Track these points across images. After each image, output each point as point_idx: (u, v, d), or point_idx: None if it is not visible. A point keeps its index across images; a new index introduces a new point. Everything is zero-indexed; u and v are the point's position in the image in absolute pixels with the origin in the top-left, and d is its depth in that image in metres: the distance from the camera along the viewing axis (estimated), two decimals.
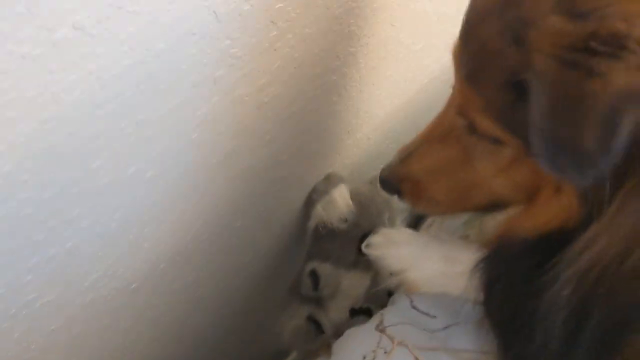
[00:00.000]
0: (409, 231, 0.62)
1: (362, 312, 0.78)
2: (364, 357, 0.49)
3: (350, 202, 0.78)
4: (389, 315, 0.54)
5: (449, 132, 0.48)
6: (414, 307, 0.53)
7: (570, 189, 0.36)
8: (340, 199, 0.78)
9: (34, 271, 0.44)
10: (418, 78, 0.78)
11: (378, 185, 0.56)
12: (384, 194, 0.76)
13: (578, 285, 0.36)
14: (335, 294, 0.79)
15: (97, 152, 0.42)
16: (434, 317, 0.51)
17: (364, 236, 0.78)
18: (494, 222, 0.52)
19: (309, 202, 0.79)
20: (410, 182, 0.52)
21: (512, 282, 0.41)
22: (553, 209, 0.38)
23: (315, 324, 0.77)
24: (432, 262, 0.56)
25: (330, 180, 0.79)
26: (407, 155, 0.52)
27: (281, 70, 0.53)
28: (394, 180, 0.54)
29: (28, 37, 0.31)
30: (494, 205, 0.49)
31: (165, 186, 0.51)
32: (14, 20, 0.30)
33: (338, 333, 0.75)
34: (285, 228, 0.78)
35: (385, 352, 0.48)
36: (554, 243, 0.37)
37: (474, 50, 0.41)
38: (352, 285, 0.80)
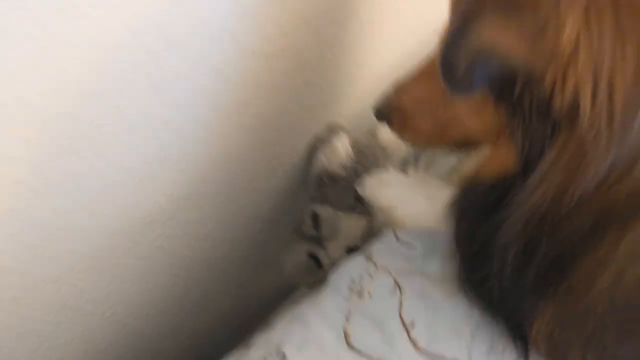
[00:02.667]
0: (398, 174, 0.69)
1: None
2: (353, 280, 0.56)
3: (350, 150, 0.84)
4: (376, 246, 0.61)
5: (432, 72, 0.53)
6: (398, 239, 0.60)
7: (510, 143, 0.42)
8: (341, 147, 0.84)
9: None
10: (418, 31, 0.82)
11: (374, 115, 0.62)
12: (381, 141, 0.83)
13: (526, 222, 0.42)
14: (334, 234, 0.86)
15: (123, 93, 0.48)
16: (415, 247, 0.58)
17: None
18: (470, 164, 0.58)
19: (312, 149, 0.85)
20: (399, 112, 0.59)
21: (474, 218, 0.48)
22: (502, 158, 0.44)
23: (314, 260, 0.84)
24: (417, 201, 0.63)
25: (331, 129, 0.85)
26: (400, 87, 0.59)
27: (288, 23, 0.58)
28: (386, 109, 0.60)
29: None
30: (467, 142, 0.55)
31: (182, 131, 0.57)
32: None
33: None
34: (289, 172, 0.84)
35: (370, 276, 0.55)
36: (507, 186, 0.44)
37: None
38: (350, 227, 0.86)
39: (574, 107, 0.37)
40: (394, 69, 0.86)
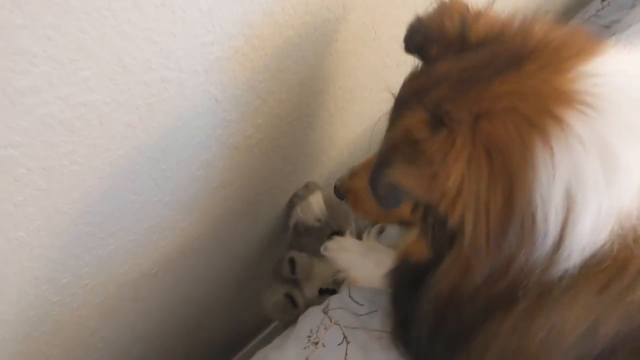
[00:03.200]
0: (355, 240, 0.83)
1: (328, 292, 0.99)
2: (311, 330, 0.71)
3: (324, 206, 0.99)
4: (333, 301, 0.76)
5: None
6: (350, 297, 0.74)
7: (423, 238, 0.56)
8: (316, 203, 0.98)
9: (89, 264, 0.66)
10: (377, 114, 0.96)
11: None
12: None
13: (435, 303, 0.55)
14: (308, 277, 1.01)
15: (134, 187, 0.63)
16: (362, 305, 0.72)
17: (333, 233, 1.00)
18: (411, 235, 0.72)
19: (290, 205, 0.99)
20: (352, 193, 0.73)
21: (403, 290, 0.62)
22: (422, 246, 0.57)
23: (291, 300, 0.99)
24: (367, 265, 0.77)
25: (308, 188, 1.00)
26: (353, 174, 0.73)
27: (264, 123, 0.73)
28: (342, 189, 0.75)
29: None
30: (405, 223, 0.69)
31: (180, 203, 0.72)
32: None
33: (309, 306, 0.97)
34: (270, 225, 0.99)
35: (325, 328, 0.69)
36: (424, 270, 0.57)
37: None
38: (322, 271, 1.00)
39: (462, 228, 0.51)
40: (359, 138, 1.01)
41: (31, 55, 0.42)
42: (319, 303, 0.93)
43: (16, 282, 0.60)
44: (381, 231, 0.86)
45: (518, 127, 0.46)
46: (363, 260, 0.78)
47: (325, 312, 0.73)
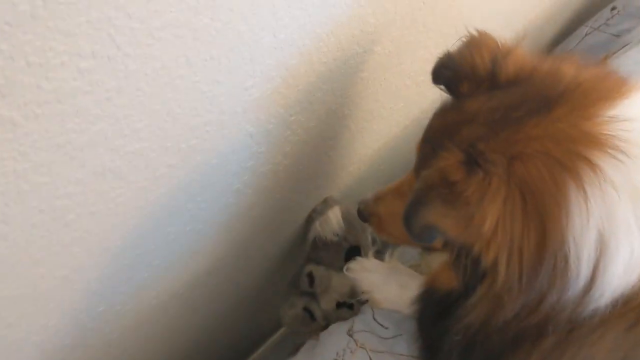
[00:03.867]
0: (377, 261, 0.85)
1: (345, 306, 1.02)
2: (337, 353, 0.73)
3: (342, 221, 1.00)
4: (357, 322, 0.78)
5: (404, 193, 0.69)
6: (374, 319, 0.77)
7: (453, 270, 0.58)
8: (334, 218, 1.00)
9: (124, 292, 0.68)
10: (394, 130, 0.98)
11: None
12: None
13: (465, 332, 0.56)
14: (326, 290, 1.02)
15: (171, 221, 0.65)
16: (387, 328, 0.75)
17: (351, 247, 1.02)
18: (434, 257, 0.75)
19: (309, 220, 1.01)
20: (376, 217, 0.75)
21: (431, 317, 0.64)
22: (451, 276, 0.58)
23: (309, 313, 1.01)
24: (391, 287, 0.79)
25: (327, 203, 1.01)
26: (378, 198, 0.75)
27: (291, 150, 0.75)
28: (366, 212, 0.76)
29: None
30: (430, 249, 0.71)
31: (212, 230, 0.74)
32: None
33: (326, 319, 0.99)
34: (289, 239, 1.01)
35: (351, 352, 0.72)
36: (453, 300, 0.59)
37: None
38: (339, 284, 1.02)
39: (495, 267, 0.52)
40: (377, 155, 1.02)
41: (91, 115, 0.43)
42: (337, 316, 0.96)
43: (56, 314, 0.61)
44: (402, 251, 0.88)
45: (551, 170, 0.48)
46: (386, 282, 0.80)
47: (350, 334, 0.75)
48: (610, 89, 0.55)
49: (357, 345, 0.73)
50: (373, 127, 0.94)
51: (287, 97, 0.64)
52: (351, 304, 1.01)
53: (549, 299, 0.50)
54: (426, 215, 0.51)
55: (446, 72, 0.63)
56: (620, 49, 1.21)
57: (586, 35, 1.38)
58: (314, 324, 1.01)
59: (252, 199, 0.76)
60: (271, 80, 0.58)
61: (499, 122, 0.53)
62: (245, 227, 0.83)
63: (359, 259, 0.86)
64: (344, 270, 0.86)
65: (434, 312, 0.63)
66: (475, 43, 0.62)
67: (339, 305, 1.02)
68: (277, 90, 0.61)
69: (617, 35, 1.31)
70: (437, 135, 0.61)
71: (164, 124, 0.50)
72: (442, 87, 0.64)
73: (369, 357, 0.71)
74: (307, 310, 1.01)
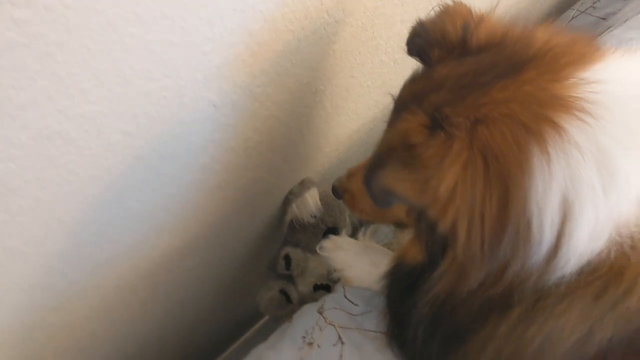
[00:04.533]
0: (351, 240, 0.84)
1: (322, 288, 1.00)
2: (306, 331, 0.71)
3: (319, 202, 0.99)
4: (328, 300, 0.76)
5: None
6: (345, 297, 0.75)
7: (418, 242, 0.56)
8: (311, 200, 0.98)
9: (86, 269, 0.66)
10: (372, 110, 0.97)
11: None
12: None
13: (431, 306, 0.55)
14: (303, 273, 1.01)
15: (133, 195, 0.63)
16: (357, 305, 0.73)
17: (328, 229, 1.01)
18: (407, 235, 0.73)
19: (286, 201, 0.99)
20: (349, 194, 0.74)
21: (399, 292, 0.62)
22: (417, 250, 0.57)
23: (285, 296, 0.99)
24: (363, 266, 0.78)
25: (304, 185, 0.99)
26: (351, 174, 0.74)
27: (262, 125, 0.73)
28: (340, 189, 0.75)
29: None
30: (401, 224, 0.69)
31: (179, 207, 0.72)
32: None
33: (303, 301, 0.98)
34: (266, 221, 0.99)
35: (320, 329, 0.70)
36: (419, 273, 0.58)
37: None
38: (316, 267, 1.01)
39: (454, 233, 0.51)
40: (354, 135, 1.01)
41: (31, 71, 0.41)
42: (314, 299, 0.94)
43: (12, 289, 0.59)
44: (375, 229, 0.87)
45: (515, 134, 0.46)
46: (358, 260, 0.79)
47: (320, 312, 0.74)
48: (582, 54, 0.53)
49: (326, 322, 0.71)
50: (350, 106, 0.92)
51: (252, 66, 0.61)
52: (328, 286, 1.00)
53: (513, 266, 0.49)
54: (383, 178, 0.50)
55: (418, 40, 0.62)
56: (605, 30, 1.20)
57: (573, 18, 1.38)
58: (289, 307, 0.99)
59: (222, 176, 0.74)
60: (233, 45, 0.56)
61: (466, 87, 0.52)
62: (218, 208, 0.81)
63: (332, 237, 0.84)
64: (317, 248, 0.85)
65: (402, 287, 0.62)
66: (449, 11, 0.61)
67: (316, 287, 1.01)
68: (241, 58, 0.59)
69: (604, 18, 1.30)
70: (404, 101, 0.60)
71: (114, 86, 0.48)
72: (417, 58, 0.63)
73: (338, 333, 0.69)
74: (283, 292, 1.00)
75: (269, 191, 0.93)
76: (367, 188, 0.54)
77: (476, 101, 0.49)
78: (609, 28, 1.18)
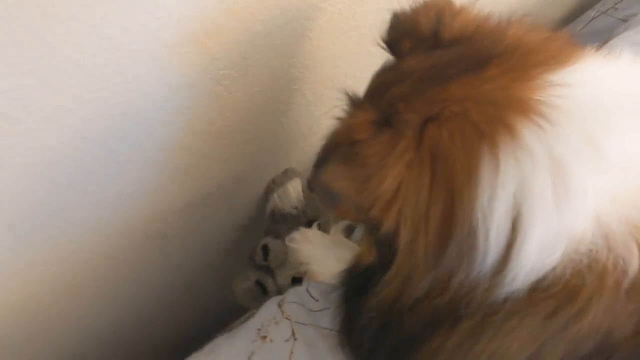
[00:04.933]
0: (320, 233, 0.81)
1: (300, 281, 0.98)
2: (262, 324, 0.70)
3: (302, 194, 0.97)
4: (290, 294, 0.74)
5: None
6: (307, 291, 0.73)
7: (371, 246, 0.54)
8: (294, 190, 0.96)
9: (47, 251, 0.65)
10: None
11: None
12: None
13: (379, 310, 0.53)
14: (282, 265, 0.99)
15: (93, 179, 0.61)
16: (317, 300, 0.71)
17: (310, 221, 0.98)
18: None
19: (268, 191, 0.97)
20: None
21: (351, 292, 0.60)
22: (368, 251, 0.55)
23: (261, 287, 0.98)
24: (329, 260, 0.75)
25: (287, 175, 0.97)
26: None
27: (229, 111, 0.71)
28: (313, 183, 0.73)
29: None
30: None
31: (142, 190, 0.70)
32: None
33: (280, 293, 0.96)
34: (246, 210, 0.97)
35: (276, 323, 0.68)
36: (371, 275, 0.55)
37: None
38: (296, 259, 0.99)
39: (397, 236, 0.48)
40: None
41: None
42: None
43: None
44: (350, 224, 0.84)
45: (465, 135, 0.43)
46: (325, 255, 0.77)
47: (279, 305, 0.72)
48: (555, 53, 0.49)
49: (283, 316, 0.69)
50: (335, 96, 0.88)
51: (209, 48, 0.59)
52: None
53: (458, 276, 0.46)
54: (323, 174, 0.47)
55: (391, 32, 0.59)
56: (623, 32, 1.14)
57: (593, 18, 1.32)
58: (265, 298, 0.98)
59: (185, 160, 0.73)
60: (183, 21, 0.54)
61: (427, 81, 0.49)
62: (188, 194, 0.80)
63: (302, 229, 0.82)
64: (286, 240, 0.83)
65: (355, 286, 0.59)
66: (426, 3, 0.57)
67: (294, 280, 0.99)
68: (196, 39, 0.57)
69: (624, 20, 1.24)
70: (371, 94, 0.57)
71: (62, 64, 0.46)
72: (388, 50, 0.60)
73: (292, 329, 0.67)
74: (259, 283, 0.98)
75: (250, 182, 0.91)
76: (313, 184, 0.51)
77: (433, 97, 0.46)
78: (626, 30, 1.12)
